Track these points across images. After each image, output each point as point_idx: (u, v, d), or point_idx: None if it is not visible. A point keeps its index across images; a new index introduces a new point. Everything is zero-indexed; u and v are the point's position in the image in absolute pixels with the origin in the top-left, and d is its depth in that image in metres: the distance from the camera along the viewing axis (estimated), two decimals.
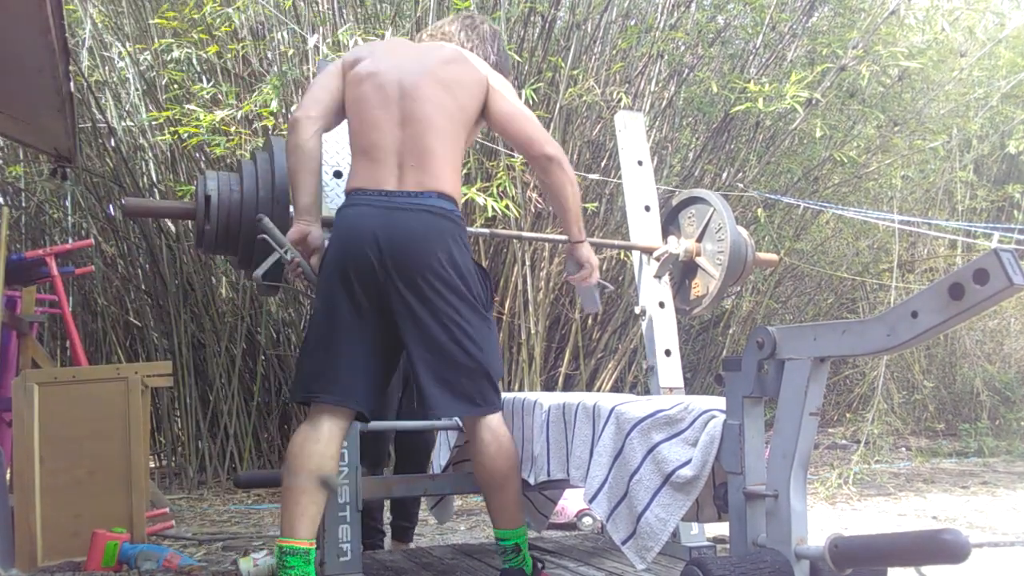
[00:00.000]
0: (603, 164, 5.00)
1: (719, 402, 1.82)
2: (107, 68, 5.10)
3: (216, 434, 4.89)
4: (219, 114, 4.14)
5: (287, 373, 5.08)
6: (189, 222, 4.01)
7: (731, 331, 6.28)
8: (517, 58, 4.40)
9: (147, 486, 2.89)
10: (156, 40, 4.72)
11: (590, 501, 2.02)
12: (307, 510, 1.86)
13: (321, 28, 4.52)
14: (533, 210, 4.61)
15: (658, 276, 2.68)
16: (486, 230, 3.25)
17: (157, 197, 4.91)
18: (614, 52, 5.05)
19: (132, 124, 5.00)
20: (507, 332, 4.81)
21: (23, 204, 5.32)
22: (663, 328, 2.66)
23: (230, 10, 4.25)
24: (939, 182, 7.08)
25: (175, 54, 4.44)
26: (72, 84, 2.75)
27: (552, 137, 2.15)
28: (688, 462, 1.81)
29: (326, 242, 2.03)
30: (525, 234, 4.00)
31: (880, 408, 5.61)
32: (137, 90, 4.92)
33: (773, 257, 3.08)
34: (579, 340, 5.04)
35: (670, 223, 2.83)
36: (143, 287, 5.22)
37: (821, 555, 1.51)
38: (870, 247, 6.98)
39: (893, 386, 6.84)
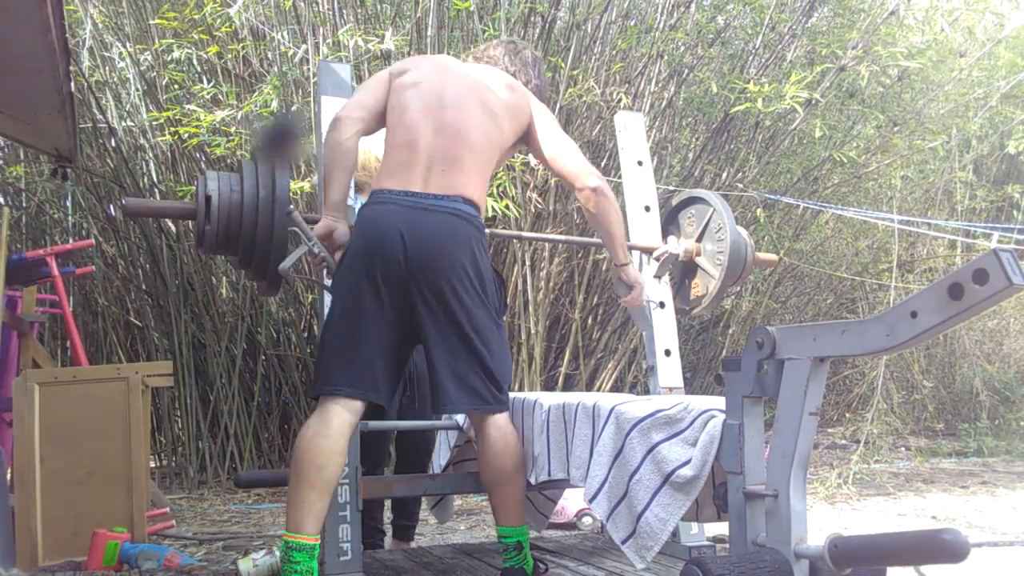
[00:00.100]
0: (603, 164, 5.00)
1: (719, 402, 1.82)
2: (107, 68, 5.10)
3: (216, 434, 4.89)
4: (219, 114, 4.15)
5: (287, 373, 5.08)
6: (189, 222, 4.01)
7: (731, 331, 6.28)
8: None
9: (148, 486, 2.89)
10: (156, 40, 4.73)
11: (590, 501, 2.02)
12: (314, 506, 1.87)
13: (321, 29, 4.53)
14: (533, 210, 4.62)
15: (658, 276, 2.68)
16: (486, 230, 3.25)
17: (157, 197, 4.91)
18: (614, 52, 5.06)
19: (132, 124, 5.00)
20: (507, 332, 4.81)
21: (24, 204, 5.33)
22: (663, 328, 2.66)
23: (231, 11, 4.25)
24: (938, 182, 7.09)
25: (175, 54, 4.44)
26: (72, 84, 2.75)
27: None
28: (688, 462, 1.82)
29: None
30: (525, 234, 4.00)
31: (879, 408, 5.62)
32: (137, 90, 4.92)
33: (773, 257, 3.09)
34: (579, 340, 5.04)
35: (670, 223, 2.83)
36: (144, 287, 5.23)
37: (820, 555, 1.51)
38: (869, 247, 6.98)
39: (892, 386, 6.84)
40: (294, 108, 3.81)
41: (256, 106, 4.15)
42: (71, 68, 2.61)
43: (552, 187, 4.72)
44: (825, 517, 3.92)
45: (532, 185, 4.44)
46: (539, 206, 4.64)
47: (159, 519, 3.14)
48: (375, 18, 4.94)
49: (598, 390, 5.13)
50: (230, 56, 4.68)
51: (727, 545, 1.88)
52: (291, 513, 1.87)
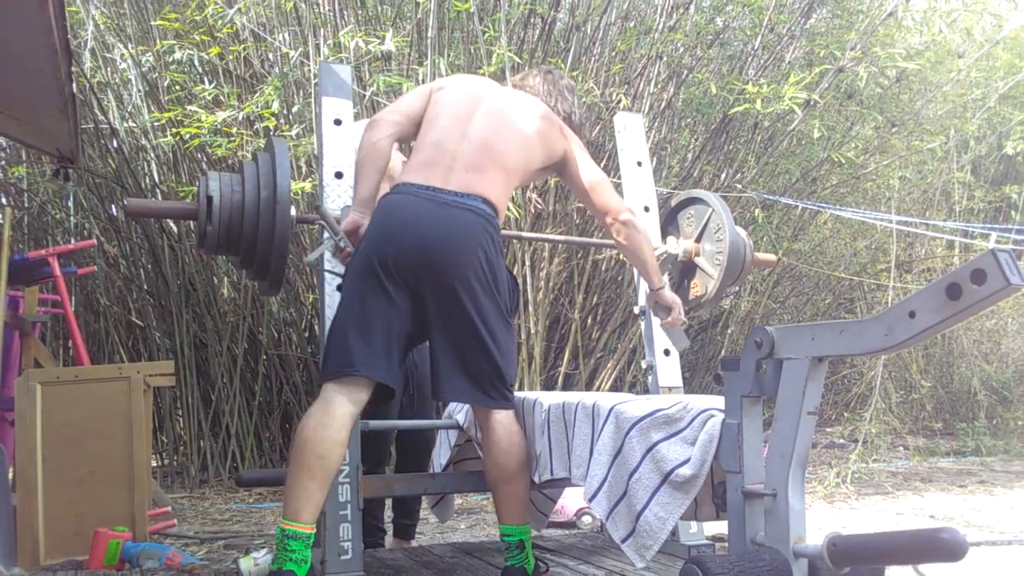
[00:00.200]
0: (602, 165, 5.00)
1: (718, 401, 1.83)
2: (109, 69, 5.11)
3: (218, 433, 4.90)
4: (221, 115, 4.15)
5: (288, 372, 5.09)
6: (191, 223, 4.03)
7: (729, 331, 6.29)
8: (517, 60, 4.41)
9: (149, 485, 2.90)
10: (158, 41, 4.73)
11: (590, 500, 2.03)
12: (313, 495, 1.88)
13: (322, 30, 4.54)
14: (533, 210, 4.63)
15: None
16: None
17: (159, 198, 4.92)
18: (613, 54, 5.06)
19: (134, 125, 5.01)
20: None
21: (26, 204, 5.34)
22: (662, 328, 2.67)
23: (231, 11, 4.25)
24: (937, 183, 7.10)
25: (177, 55, 4.45)
26: (74, 85, 2.76)
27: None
28: (687, 461, 1.82)
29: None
30: (525, 234, 4.01)
31: (878, 407, 5.63)
32: (139, 91, 4.93)
33: (771, 257, 3.10)
34: (579, 340, 5.05)
35: (669, 224, 2.84)
36: (145, 287, 5.23)
37: (819, 554, 1.52)
38: (868, 247, 6.99)
39: (891, 385, 6.85)
40: None
41: (257, 107, 4.16)
42: (73, 69, 2.62)
43: (552, 187, 4.73)
44: (824, 516, 3.93)
45: (532, 186, 4.44)
46: (539, 206, 4.66)
47: (161, 518, 3.15)
48: (376, 19, 4.95)
49: (598, 390, 5.14)
50: (231, 57, 4.69)
51: (726, 544, 1.89)
52: (289, 501, 1.88)
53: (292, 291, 4.95)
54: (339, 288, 2.19)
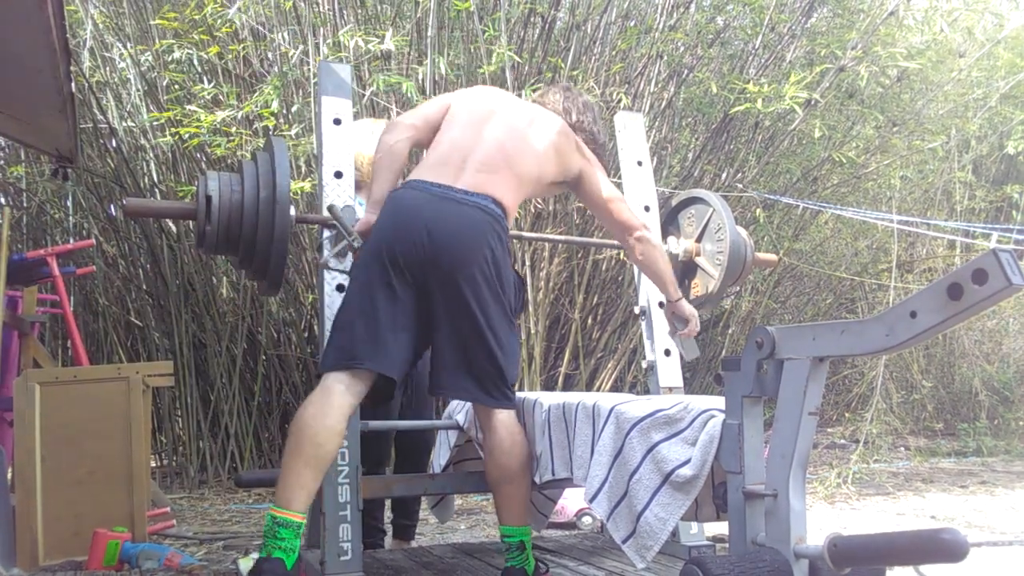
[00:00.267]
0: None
1: (718, 402, 1.82)
2: (108, 69, 5.10)
3: (217, 434, 4.90)
4: (220, 115, 4.15)
5: (288, 373, 5.09)
6: (190, 222, 4.02)
7: (730, 331, 6.28)
8: (517, 59, 4.41)
9: (148, 485, 2.89)
10: (157, 41, 4.73)
11: (590, 500, 2.02)
12: (306, 484, 1.88)
13: (322, 29, 4.53)
14: (533, 210, 4.63)
15: None
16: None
17: (158, 197, 4.92)
18: (614, 53, 5.06)
19: (133, 125, 5.01)
20: None
21: (24, 204, 5.34)
22: (663, 328, 2.67)
23: (231, 11, 4.25)
24: (938, 182, 7.09)
25: (176, 55, 4.45)
26: (73, 84, 2.76)
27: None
28: (687, 461, 1.82)
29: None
30: (525, 234, 4.00)
31: (879, 408, 5.62)
32: (138, 91, 4.93)
33: (772, 257, 3.09)
34: (579, 340, 5.04)
35: (670, 223, 2.83)
36: (144, 287, 5.23)
37: (820, 554, 1.51)
38: (869, 247, 6.99)
39: (892, 386, 6.85)
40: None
41: (257, 106, 4.16)
42: (72, 68, 2.61)
43: None
44: (824, 517, 3.92)
45: None
46: (539, 206, 4.65)
47: (160, 519, 3.15)
48: (375, 19, 4.95)
49: (598, 390, 5.13)
50: (231, 56, 4.69)
51: (727, 544, 1.88)
52: (281, 489, 1.86)
53: (291, 291, 4.95)
54: (339, 288, 2.19)
